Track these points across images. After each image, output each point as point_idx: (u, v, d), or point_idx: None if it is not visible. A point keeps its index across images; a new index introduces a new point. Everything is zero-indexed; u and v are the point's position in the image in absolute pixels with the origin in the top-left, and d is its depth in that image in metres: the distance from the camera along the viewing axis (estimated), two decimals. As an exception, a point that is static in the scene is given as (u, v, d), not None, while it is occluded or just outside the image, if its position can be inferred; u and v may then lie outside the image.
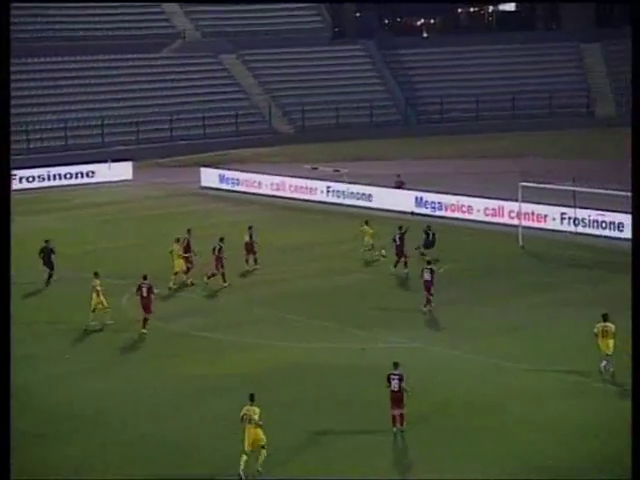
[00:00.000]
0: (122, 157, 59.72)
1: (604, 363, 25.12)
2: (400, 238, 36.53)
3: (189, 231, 35.25)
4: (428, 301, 30.54)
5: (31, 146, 62.38)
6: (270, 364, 26.08)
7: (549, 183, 40.75)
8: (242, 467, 19.37)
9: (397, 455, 21.20)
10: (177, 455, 20.90)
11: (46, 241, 35.49)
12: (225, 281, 34.04)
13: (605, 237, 39.65)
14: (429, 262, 31.57)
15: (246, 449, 19.50)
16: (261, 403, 20.17)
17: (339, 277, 34.96)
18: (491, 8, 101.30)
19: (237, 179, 54.59)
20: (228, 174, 55.19)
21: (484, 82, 78.75)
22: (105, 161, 57.99)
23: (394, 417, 21.68)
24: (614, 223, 39.79)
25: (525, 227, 40.12)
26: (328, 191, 50.38)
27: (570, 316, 29.79)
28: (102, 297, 29.80)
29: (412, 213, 46.04)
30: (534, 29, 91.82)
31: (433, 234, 37.43)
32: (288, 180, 52.33)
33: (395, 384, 21.53)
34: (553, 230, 41.05)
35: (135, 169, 58.67)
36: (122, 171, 58.08)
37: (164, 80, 72.70)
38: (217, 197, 52.46)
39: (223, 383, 24.82)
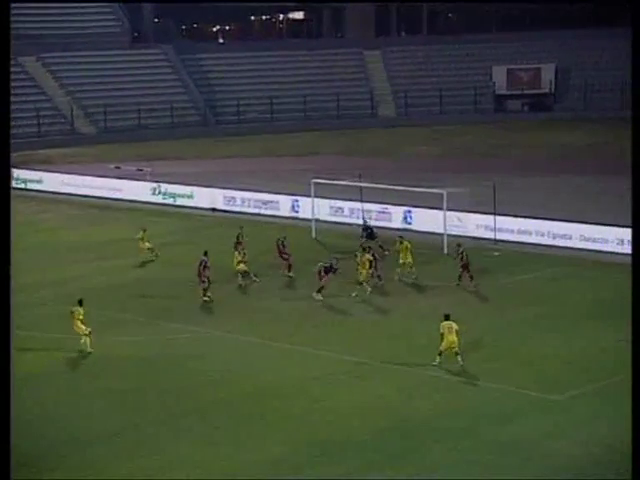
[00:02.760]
0: None
1: (459, 359, 25.19)
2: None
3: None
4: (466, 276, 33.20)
5: None
6: (69, 358, 26.41)
7: (339, 179, 44.08)
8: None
9: (201, 441, 21.41)
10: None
11: None
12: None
13: (389, 229, 41.93)
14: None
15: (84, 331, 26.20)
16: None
17: (140, 270, 36.21)
18: (282, 16, 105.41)
19: (40, 179, 55.53)
20: (30, 174, 55.74)
21: (277, 85, 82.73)
22: None
23: None
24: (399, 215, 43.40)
25: (319, 221, 42.97)
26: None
27: (362, 303, 31.85)
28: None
29: (213, 209, 48.30)
30: (321, 36, 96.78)
31: (371, 227, 39.23)
32: (90, 179, 53.39)
33: None
34: (345, 223, 43.67)
35: None
36: None
37: (-37, 81, 72.24)
38: (20, 197, 52.30)
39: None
